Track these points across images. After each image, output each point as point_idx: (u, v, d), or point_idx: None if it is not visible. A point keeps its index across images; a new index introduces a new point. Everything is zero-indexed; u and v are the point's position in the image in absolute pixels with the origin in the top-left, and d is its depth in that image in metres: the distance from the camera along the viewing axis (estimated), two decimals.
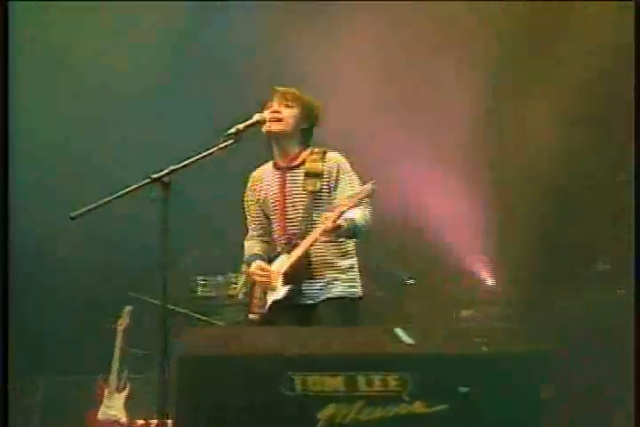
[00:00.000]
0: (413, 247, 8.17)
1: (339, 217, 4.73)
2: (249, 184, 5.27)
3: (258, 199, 5.19)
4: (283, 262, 4.96)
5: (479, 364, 3.60)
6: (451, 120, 7.81)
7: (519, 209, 7.84)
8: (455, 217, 7.96)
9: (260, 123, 4.93)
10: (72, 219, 4.23)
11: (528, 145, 7.84)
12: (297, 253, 4.88)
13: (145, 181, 4.37)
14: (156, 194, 4.35)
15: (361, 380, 3.57)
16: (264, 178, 5.20)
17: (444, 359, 3.60)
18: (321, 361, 3.57)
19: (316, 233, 4.81)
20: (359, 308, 5.06)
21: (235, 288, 8.00)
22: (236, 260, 7.66)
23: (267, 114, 4.99)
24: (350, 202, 4.75)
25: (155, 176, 4.37)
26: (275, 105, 5.05)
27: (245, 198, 5.27)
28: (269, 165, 5.21)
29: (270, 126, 4.98)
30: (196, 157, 4.56)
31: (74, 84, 7.69)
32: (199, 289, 8.14)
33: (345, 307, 4.97)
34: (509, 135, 8.02)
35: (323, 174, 5.01)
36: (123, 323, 7.41)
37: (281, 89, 5.10)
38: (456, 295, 8.09)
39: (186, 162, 4.51)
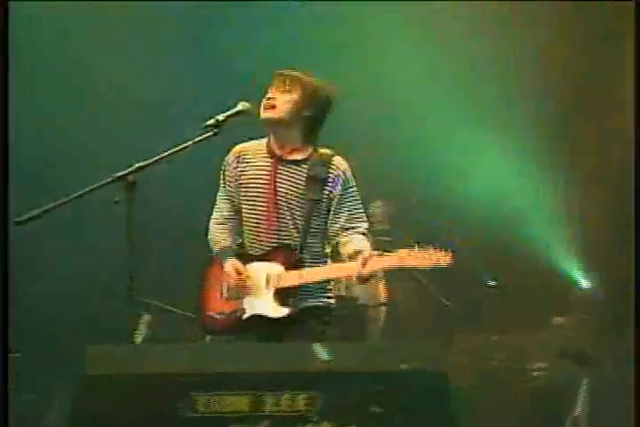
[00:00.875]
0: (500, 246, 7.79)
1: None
2: (231, 157, 4.53)
3: (239, 179, 4.49)
4: (273, 272, 4.35)
5: (393, 381, 3.31)
6: None
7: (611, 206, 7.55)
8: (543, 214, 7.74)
9: (245, 113, 4.32)
10: (17, 224, 3.75)
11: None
12: (314, 276, 4.30)
13: (106, 181, 3.88)
14: (121, 195, 3.86)
15: (268, 399, 3.29)
16: (252, 158, 4.51)
17: (357, 377, 3.31)
18: (227, 380, 3.29)
19: (342, 271, 4.33)
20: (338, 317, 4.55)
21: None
22: None
23: (264, 101, 4.38)
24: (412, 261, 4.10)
25: (118, 175, 3.89)
26: (271, 90, 4.41)
27: (224, 171, 4.54)
28: (261, 145, 4.54)
29: (263, 114, 4.36)
30: (167, 153, 4.04)
31: (74, 84, 7.42)
32: None
33: (321, 317, 4.40)
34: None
35: (327, 181, 4.39)
36: (139, 335, 6.65)
37: (279, 72, 4.45)
38: (546, 299, 7.60)
39: (155, 158, 4.01)
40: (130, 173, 3.88)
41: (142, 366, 3.23)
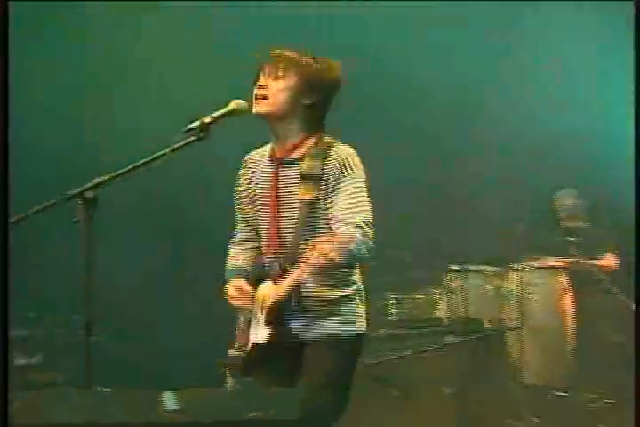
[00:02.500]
0: None
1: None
2: (241, 170, 3.94)
3: (249, 192, 3.90)
4: (266, 291, 3.73)
5: None
6: None
7: None
8: None
9: (238, 112, 3.67)
10: None
11: None
12: (284, 285, 3.64)
13: (60, 198, 3.45)
14: (79, 214, 3.43)
15: None
16: (258, 166, 3.89)
17: None
18: None
19: (304, 267, 3.54)
20: (359, 348, 3.82)
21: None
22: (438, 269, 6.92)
23: (255, 91, 3.73)
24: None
25: (74, 192, 3.44)
26: (262, 77, 3.75)
27: (236, 187, 3.95)
28: (267, 149, 3.90)
29: (254, 107, 3.70)
30: (134, 165, 3.53)
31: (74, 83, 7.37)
32: (392, 310, 6.96)
33: (338, 349, 3.72)
34: None
35: (321, 178, 3.69)
36: None
37: (271, 53, 3.77)
38: None
39: (120, 171, 3.54)
40: (87, 189, 3.45)
41: None
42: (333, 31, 7.57)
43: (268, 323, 3.69)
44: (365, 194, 3.71)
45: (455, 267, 6.92)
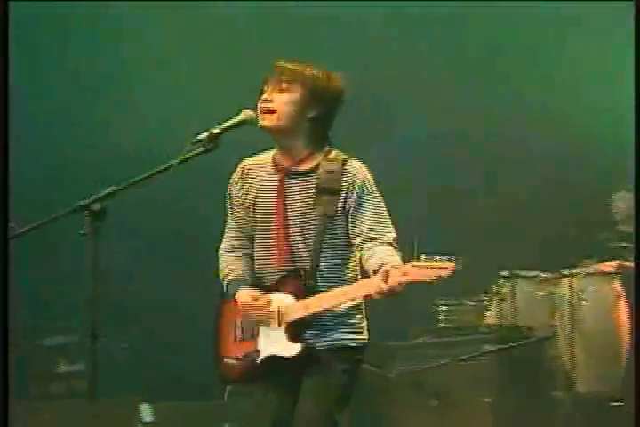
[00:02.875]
0: None
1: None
2: (236, 175, 3.89)
3: (245, 200, 3.86)
4: (288, 305, 3.70)
5: None
6: None
7: None
8: None
9: (248, 123, 3.65)
10: None
11: None
12: (321, 303, 3.62)
13: (68, 210, 3.43)
14: (86, 226, 3.41)
15: None
16: (259, 174, 3.85)
17: None
18: None
19: (359, 290, 3.59)
20: (363, 358, 3.82)
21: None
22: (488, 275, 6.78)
23: (260, 104, 3.72)
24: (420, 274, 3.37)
25: (82, 203, 3.43)
26: (266, 91, 3.74)
27: (230, 193, 3.91)
28: (267, 157, 3.87)
29: (261, 121, 3.69)
30: (143, 176, 3.52)
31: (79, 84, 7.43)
32: (442, 317, 6.84)
33: (347, 358, 3.73)
34: None
35: (340, 191, 3.68)
36: None
37: (274, 65, 3.75)
38: None
39: (130, 182, 3.51)
40: (96, 200, 3.43)
41: None
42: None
43: (293, 337, 3.67)
44: (387, 212, 3.73)
45: (505, 273, 6.80)
